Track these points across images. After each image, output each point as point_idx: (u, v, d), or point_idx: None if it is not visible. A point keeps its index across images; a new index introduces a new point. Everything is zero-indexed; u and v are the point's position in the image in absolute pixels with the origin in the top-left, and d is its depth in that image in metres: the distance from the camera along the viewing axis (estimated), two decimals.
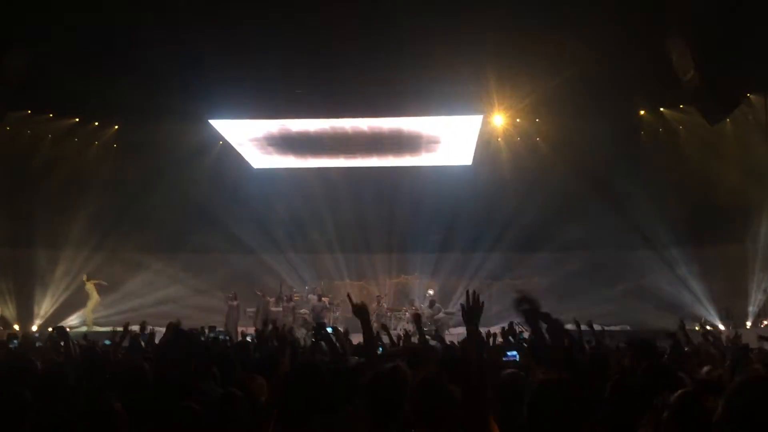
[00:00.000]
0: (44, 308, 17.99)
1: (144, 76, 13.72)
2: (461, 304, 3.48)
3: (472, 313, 3.37)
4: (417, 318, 6.59)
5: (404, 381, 2.90)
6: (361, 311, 3.86)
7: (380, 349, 5.88)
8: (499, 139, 18.45)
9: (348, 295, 4.08)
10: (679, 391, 2.40)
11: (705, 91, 11.20)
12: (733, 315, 16.36)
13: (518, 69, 13.33)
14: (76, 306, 18.19)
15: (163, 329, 7.53)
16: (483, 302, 3.39)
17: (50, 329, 11.11)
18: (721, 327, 15.71)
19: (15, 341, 8.40)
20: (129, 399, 3.25)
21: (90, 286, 17.69)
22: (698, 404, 2.28)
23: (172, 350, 3.76)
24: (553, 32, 12.28)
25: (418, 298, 19.42)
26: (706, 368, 5.22)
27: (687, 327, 8.33)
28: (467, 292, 3.44)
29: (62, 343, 6.96)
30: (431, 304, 18.06)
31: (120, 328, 6.60)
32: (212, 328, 10.30)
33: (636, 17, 11.81)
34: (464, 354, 3.55)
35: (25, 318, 17.44)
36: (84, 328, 15.49)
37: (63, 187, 17.42)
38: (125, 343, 6.37)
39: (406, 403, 2.88)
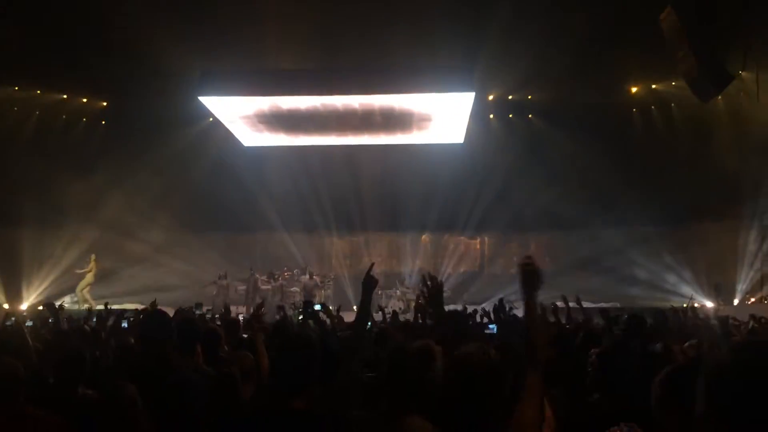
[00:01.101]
0: (34, 288, 17.94)
1: (132, 52, 13.56)
2: (421, 289, 3.46)
3: (432, 294, 3.36)
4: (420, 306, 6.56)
5: (431, 360, 2.82)
6: (369, 283, 3.68)
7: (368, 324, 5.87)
8: (491, 117, 18.41)
9: (372, 265, 3.86)
10: (667, 368, 2.38)
11: (698, 69, 11.14)
12: (722, 291, 16.51)
13: (511, 45, 13.25)
14: (69, 286, 18.17)
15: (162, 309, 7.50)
16: (442, 283, 3.38)
17: (40, 307, 11.09)
18: (710, 304, 15.86)
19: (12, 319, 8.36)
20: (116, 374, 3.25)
21: (91, 268, 17.69)
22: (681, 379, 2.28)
23: (150, 328, 3.75)
24: (545, 8, 12.21)
25: (409, 277, 19.50)
26: (689, 342, 5.27)
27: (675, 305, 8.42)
28: (423, 276, 3.43)
29: (51, 320, 6.96)
30: (423, 283, 18.12)
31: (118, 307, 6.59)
32: (198, 305, 10.28)
33: None
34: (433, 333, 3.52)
35: (14, 298, 17.38)
36: (86, 306, 15.46)
37: (51, 165, 17.26)
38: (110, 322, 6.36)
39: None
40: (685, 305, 12.72)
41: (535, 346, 2.42)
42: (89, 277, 17.74)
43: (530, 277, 2.83)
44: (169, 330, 3.63)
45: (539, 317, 2.53)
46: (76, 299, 17.66)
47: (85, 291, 17.61)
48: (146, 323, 3.83)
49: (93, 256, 17.92)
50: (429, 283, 3.32)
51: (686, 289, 16.84)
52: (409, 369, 2.75)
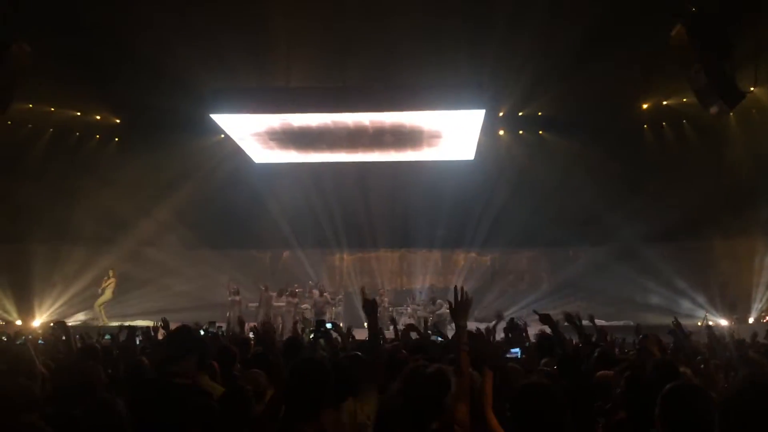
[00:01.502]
0: (46, 304, 18.01)
1: (144, 70, 13.73)
2: (449, 301, 3.46)
3: (459, 309, 3.34)
4: (410, 327, 6.62)
5: (446, 385, 2.89)
6: (369, 306, 3.83)
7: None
8: (502, 133, 18.43)
9: (362, 289, 4.07)
10: (668, 386, 2.40)
11: (709, 86, 11.13)
12: (737, 309, 16.33)
13: (521, 62, 13.31)
14: (81, 302, 18.23)
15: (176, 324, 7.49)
16: (471, 298, 3.37)
17: (51, 324, 11.12)
18: (724, 322, 15.68)
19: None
20: (129, 394, 3.25)
21: (110, 283, 17.71)
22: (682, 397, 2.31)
23: (169, 346, 3.74)
24: (555, 25, 12.26)
25: (420, 294, 19.44)
26: (698, 357, 5.24)
27: (688, 322, 8.35)
28: (455, 288, 3.43)
29: (63, 338, 6.97)
30: (433, 300, 18.08)
31: (128, 324, 6.59)
32: (212, 324, 10.26)
33: (639, 9, 11.77)
34: (455, 350, 3.52)
35: (26, 314, 17.45)
36: (99, 323, 15.51)
37: (63, 181, 17.42)
38: (122, 337, 6.38)
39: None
40: (699, 323, 12.60)
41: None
42: (108, 293, 17.78)
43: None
44: (197, 346, 3.63)
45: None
46: (90, 316, 17.72)
47: (101, 307, 17.62)
48: (174, 340, 3.80)
49: (111, 271, 17.97)
50: (458, 296, 3.32)
51: (699, 308, 16.68)
52: (426, 394, 2.76)
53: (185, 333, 3.75)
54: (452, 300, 3.39)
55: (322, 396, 2.71)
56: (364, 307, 3.88)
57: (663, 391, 2.35)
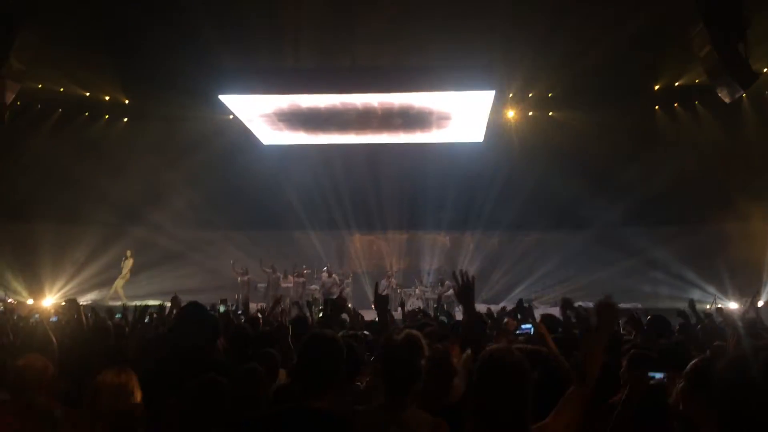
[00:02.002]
0: (58, 285, 18.18)
1: (154, 51, 13.71)
2: (452, 285, 3.49)
3: (463, 291, 3.34)
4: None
5: (419, 348, 2.88)
6: (382, 302, 3.87)
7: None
8: (511, 114, 18.31)
9: (375, 284, 4.11)
10: (695, 360, 2.39)
11: (722, 67, 11.02)
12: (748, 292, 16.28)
13: (530, 43, 13.21)
14: (92, 283, 18.39)
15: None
16: (474, 279, 3.37)
17: (62, 302, 11.21)
18: (734, 305, 15.64)
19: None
20: (142, 371, 3.27)
21: (128, 264, 17.83)
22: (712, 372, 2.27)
23: (186, 323, 3.76)
24: (566, 5, 12.14)
25: (427, 275, 19.48)
26: (715, 343, 5.21)
27: (698, 305, 8.30)
28: (454, 272, 3.43)
29: (75, 316, 7.04)
30: (441, 281, 18.13)
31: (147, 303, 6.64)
32: (223, 301, 10.31)
33: None
34: (464, 332, 3.54)
35: (37, 294, 17.62)
36: (119, 302, 15.63)
37: (73, 161, 17.48)
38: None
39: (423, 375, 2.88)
40: (708, 306, 12.56)
41: (587, 362, 2.43)
42: (126, 274, 17.90)
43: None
44: (210, 324, 3.65)
45: (600, 337, 2.51)
46: (99, 296, 17.88)
47: (120, 287, 17.76)
48: (185, 316, 3.82)
49: (129, 252, 18.07)
50: (459, 279, 3.32)
51: (710, 290, 16.63)
52: (400, 359, 2.79)
53: (195, 309, 3.78)
54: (455, 284, 3.40)
55: (335, 371, 2.71)
56: (376, 302, 3.92)
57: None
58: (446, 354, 3.50)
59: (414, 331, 3.03)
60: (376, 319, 4.12)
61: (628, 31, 12.76)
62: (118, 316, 7.73)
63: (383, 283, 18.55)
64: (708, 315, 8.13)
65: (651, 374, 2.97)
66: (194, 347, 3.47)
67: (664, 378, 3.05)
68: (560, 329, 5.29)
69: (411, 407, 2.76)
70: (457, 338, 4.31)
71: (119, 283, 17.84)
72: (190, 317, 3.67)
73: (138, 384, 2.92)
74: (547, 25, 12.62)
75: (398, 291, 18.07)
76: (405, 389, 2.78)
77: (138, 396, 2.89)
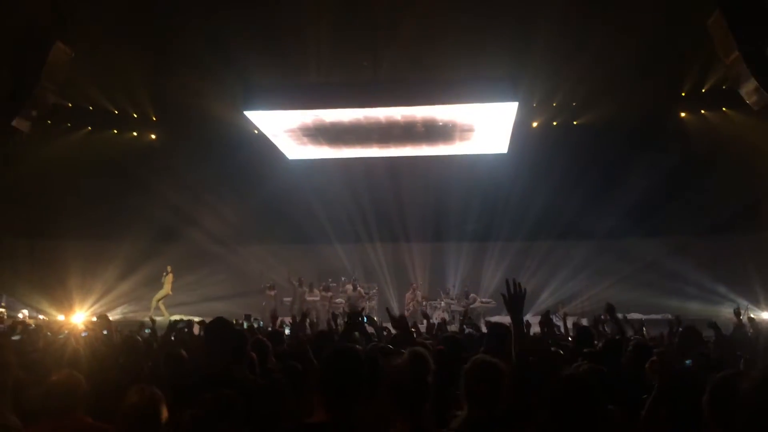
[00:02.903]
0: (88, 301, 18.45)
1: (181, 68, 13.95)
2: (502, 294, 3.44)
3: (513, 301, 3.33)
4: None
5: (426, 366, 2.86)
6: (401, 323, 3.88)
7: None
8: (535, 125, 18.22)
9: (387, 309, 4.15)
10: (720, 375, 2.37)
11: (748, 73, 10.87)
12: None
13: (554, 52, 13.17)
14: (122, 300, 18.64)
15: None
16: (525, 290, 3.35)
17: (94, 318, 11.39)
18: (765, 315, 15.35)
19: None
20: (168, 385, 3.32)
21: (168, 279, 18.04)
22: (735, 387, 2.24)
23: (212, 339, 3.80)
24: (589, 15, 12.10)
25: (453, 287, 19.40)
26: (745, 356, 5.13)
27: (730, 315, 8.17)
28: (507, 281, 3.40)
29: (105, 332, 7.16)
30: (466, 293, 18.05)
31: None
32: (248, 317, 10.39)
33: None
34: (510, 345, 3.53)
35: (67, 310, 17.88)
36: (160, 318, 15.82)
37: (100, 179, 17.78)
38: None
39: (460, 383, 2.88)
40: (740, 315, 12.28)
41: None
42: (167, 288, 18.07)
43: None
44: (236, 340, 3.69)
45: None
46: (129, 310, 18.10)
47: (161, 302, 17.89)
48: (211, 333, 3.87)
49: (169, 267, 18.20)
50: (512, 289, 3.31)
51: (739, 300, 16.31)
52: (406, 378, 2.78)
53: (221, 325, 3.82)
54: (505, 293, 3.39)
55: (358, 385, 2.71)
56: (394, 325, 4.01)
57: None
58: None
59: (419, 349, 3.01)
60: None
61: (652, 36, 12.68)
62: (147, 331, 7.83)
63: (408, 295, 18.52)
64: (739, 326, 8.00)
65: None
66: (218, 363, 3.51)
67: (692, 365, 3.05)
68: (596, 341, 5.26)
69: (424, 426, 2.74)
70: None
71: (159, 297, 17.94)
72: (216, 334, 3.72)
73: (164, 402, 2.94)
74: (569, 35, 12.58)
75: (424, 303, 18.01)
76: (413, 408, 2.74)
77: (164, 414, 2.91)
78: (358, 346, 4.87)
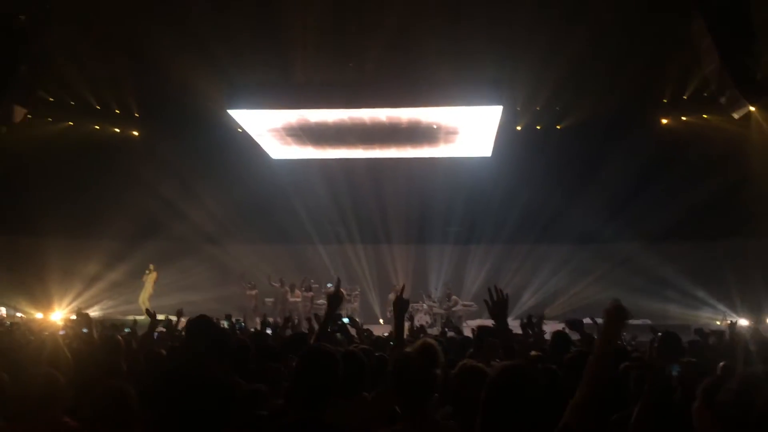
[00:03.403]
0: (67, 299, 18.21)
1: (164, 65, 13.83)
2: (485, 300, 3.44)
3: (496, 308, 3.33)
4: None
5: (435, 358, 2.88)
6: (402, 304, 3.78)
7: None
8: (519, 128, 18.30)
9: (402, 287, 3.99)
10: (707, 380, 2.37)
11: (730, 83, 11.01)
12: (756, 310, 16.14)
13: (537, 57, 13.23)
14: (101, 297, 18.43)
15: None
16: (507, 296, 3.35)
17: (73, 316, 11.27)
18: (744, 322, 15.51)
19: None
20: (145, 385, 3.28)
21: (151, 277, 17.80)
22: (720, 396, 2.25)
23: (193, 337, 3.77)
24: (574, 20, 12.17)
25: (435, 290, 19.42)
26: (721, 363, 5.17)
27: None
28: (489, 288, 3.41)
29: (84, 330, 7.05)
30: (448, 296, 18.07)
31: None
32: (228, 317, 10.32)
33: (659, 5, 11.67)
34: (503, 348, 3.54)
35: (46, 308, 17.64)
36: (141, 317, 15.63)
37: (82, 175, 17.56)
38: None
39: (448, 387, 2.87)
40: (718, 323, 12.46)
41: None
42: (149, 287, 17.82)
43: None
44: (218, 338, 3.65)
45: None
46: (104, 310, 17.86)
47: (146, 301, 17.64)
48: (192, 331, 3.82)
49: (152, 266, 17.99)
50: (494, 296, 3.30)
51: (719, 306, 16.52)
52: (414, 370, 2.76)
53: (203, 323, 3.79)
54: (488, 300, 3.39)
55: (331, 385, 2.69)
56: (396, 303, 3.76)
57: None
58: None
59: (430, 340, 3.02)
60: (386, 333, 4.10)
61: (635, 44, 12.79)
62: (126, 330, 7.74)
63: (390, 296, 18.51)
64: (719, 333, 8.07)
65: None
66: (197, 363, 3.48)
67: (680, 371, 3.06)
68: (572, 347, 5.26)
69: (431, 419, 2.74)
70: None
71: (144, 296, 17.72)
72: (198, 332, 3.69)
73: (135, 399, 2.91)
74: (553, 40, 12.65)
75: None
76: (420, 401, 2.74)
77: (134, 410, 2.88)
78: (340, 347, 4.86)
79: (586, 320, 7.24)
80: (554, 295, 19.22)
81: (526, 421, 2.26)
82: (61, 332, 7.62)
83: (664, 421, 2.79)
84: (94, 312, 17.03)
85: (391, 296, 18.21)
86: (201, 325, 3.75)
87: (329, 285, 18.28)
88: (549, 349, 5.62)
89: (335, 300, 3.91)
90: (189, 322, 3.96)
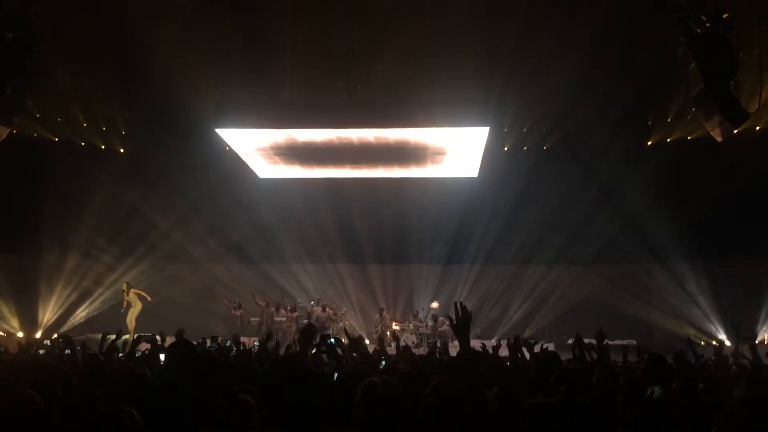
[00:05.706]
0: (48, 316, 17.98)
1: (151, 84, 13.82)
2: (449, 317, 3.41)
3: (460, 325, 3.32)
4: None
5: (395, 396, 2.77)
6: (464, 324, 3.49)
7: (383, 361, 5.82)
8: (505, 149, 18.42)
9: (461, 303, 3.74)
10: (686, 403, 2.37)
11: (713, 107, 11.13)
12: (740, 331, 16.21)
13: (525, 79, 13.37)
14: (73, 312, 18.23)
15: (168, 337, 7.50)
16: (471, 313, 3.33)
17: (54, 336, 11.11)
18: (727, 343, 15.58)
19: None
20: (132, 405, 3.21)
21: (132, 296, 17.42)
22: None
23: (175, 360, 3.72)
24: (561, 42, 12.33)
25: (421, 311, 19.36)
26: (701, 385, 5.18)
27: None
28: (455, 304, 3.40)
29: (67, 351, 6.96)
30: (434, 317, 18.02)
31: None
32: (214, 338, 10.23)
33: (645, 30, 11.85)
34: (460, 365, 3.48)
35: (29, 325, 17.41)
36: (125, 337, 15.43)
37: (68, 193, 17.41)
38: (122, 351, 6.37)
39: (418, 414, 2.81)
40: (702, 342, 12.50)
41: None
42: (137, 306, 17.48)
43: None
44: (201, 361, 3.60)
45: None
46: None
47: (133, 321, 17.22)
48: (174, 354, 3.78)
49: (124, 285, 17.55)
50: (459, 312, 3.28)
51: (709, 327, 16.63)
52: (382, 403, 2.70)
53: (185, 348, 3.74)
54: (452, 317, 3.36)
55: (320, 407, 2.65)
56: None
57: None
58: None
59: (449, 385, 2.92)
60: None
61: (621, 67, 12.95)
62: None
63: (376, 317, 18.42)
64: (699, 356, 8.08)
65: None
66: (181, 385, 3.42)
67: (660, 393, 3.04)
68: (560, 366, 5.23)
69: None
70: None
71: (131, 316, 17.35)
72: (178, 355, 3.64)
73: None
74: (540, 62, 12.80)
75: (393, 325, 17.94)
76: None
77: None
78: (326, 369, 4.80)
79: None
80: (538, 316, 19.27)
81: None
82: (41, 352, 7.51)
83: None
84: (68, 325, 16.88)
85: (377, 317, 18.11)
86: (181, 349, 3.71)
87: (312, 303, 18.20)
88: (532, 372, 5.60)
89: (307, 335, 3.88)
90: (170, 346, 3.92)
